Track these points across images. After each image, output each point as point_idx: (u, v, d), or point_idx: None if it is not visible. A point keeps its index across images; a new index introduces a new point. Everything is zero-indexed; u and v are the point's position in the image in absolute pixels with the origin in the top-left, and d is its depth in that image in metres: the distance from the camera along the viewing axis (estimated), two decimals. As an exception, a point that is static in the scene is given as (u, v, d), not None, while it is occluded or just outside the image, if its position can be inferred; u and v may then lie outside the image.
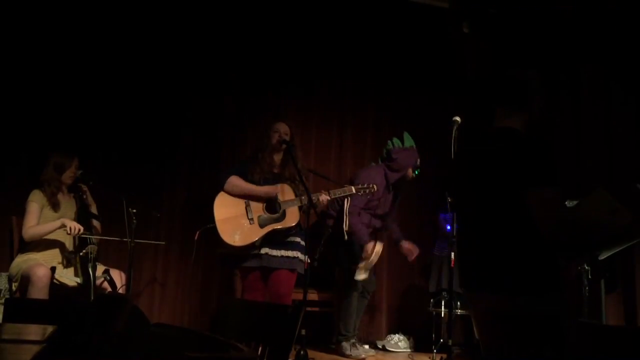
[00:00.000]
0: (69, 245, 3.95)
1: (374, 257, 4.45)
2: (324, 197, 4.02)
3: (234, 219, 3.91)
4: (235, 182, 3.98)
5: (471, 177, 2.22)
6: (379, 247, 4.46)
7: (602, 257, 2.26)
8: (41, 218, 3.86)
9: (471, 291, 2.17)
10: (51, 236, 3.89)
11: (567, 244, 2.05)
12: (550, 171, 1.99)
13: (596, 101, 5.08)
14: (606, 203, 2.00)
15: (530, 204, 1.97)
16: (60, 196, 3.98)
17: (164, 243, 4.71)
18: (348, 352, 4.49)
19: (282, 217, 3.95)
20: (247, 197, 3.96)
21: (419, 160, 4.72)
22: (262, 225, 3.92)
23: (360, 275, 4.48)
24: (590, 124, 5.09)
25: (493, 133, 2.20)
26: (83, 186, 4.07)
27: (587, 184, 4.62)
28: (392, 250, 5.37)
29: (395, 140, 4.78)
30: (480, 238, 2.14)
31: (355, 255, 4.52)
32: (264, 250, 3.91)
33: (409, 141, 4.75)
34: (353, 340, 4.57)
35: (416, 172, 4.72)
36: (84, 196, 4.05)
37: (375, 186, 4.21)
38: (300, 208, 3.99)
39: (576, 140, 5.10)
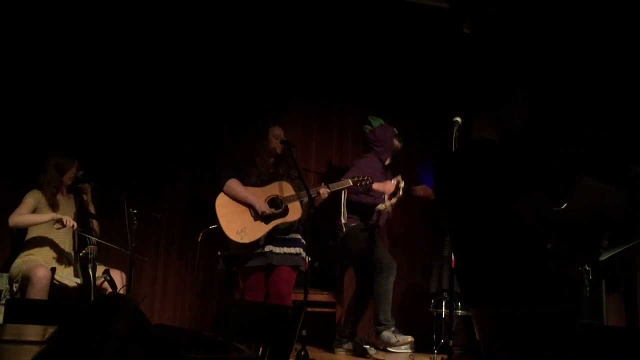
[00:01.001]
0: (69, 245, 3.96)
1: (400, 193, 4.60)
2: (324, 191, 4.07)
3: (237, 217, 3.92)
4: (233, 186, 3.99)
5: (452, 191, 2.21)
6: (400, 182, 4.59)
7: (604, 257, 2.27)
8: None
9: (474, 306, 2.17)
10: (51, 236, 3.90)
11: (574, 241, 2.06)
12: (531, 178, 1.97)
13: (597, 101, 5.09)
14: (593, 188, 2.01)
15: (520, 215, 1.96)
16: (59, 197, 3.99)
17: (146, 259, 4.56)
18: (394, 340, 4.50)
19: (285, 212, 3.97)
20: (243, 204, 3.97)
21: (395, 129, 4.86)
22: (266, 221, 3.93)
23: (382, 206, 4.60)
24: (591, 124, 5.10)
25: (470, 145, 2.19)
26: (85, 186, 4.07)
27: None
28: (392, 251, 5.36)
29: (365, 126, 4.91)
30: (471, 253, 2.13)
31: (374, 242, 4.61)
32: (268, 248, 3.92)
33: (375, 121, 4.89)
34: (393, 328, 4.56)
35: (401, 141, 4.85)
36: (84, 196, 4.05)
37: (370, 178, 4.29)
38: (301, 202, 4.02)
39: (576, 146, 5.11)
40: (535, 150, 2.04)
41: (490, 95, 2.18)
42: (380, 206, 4.60)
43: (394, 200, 4.60)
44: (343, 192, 4.35)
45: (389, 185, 4.56)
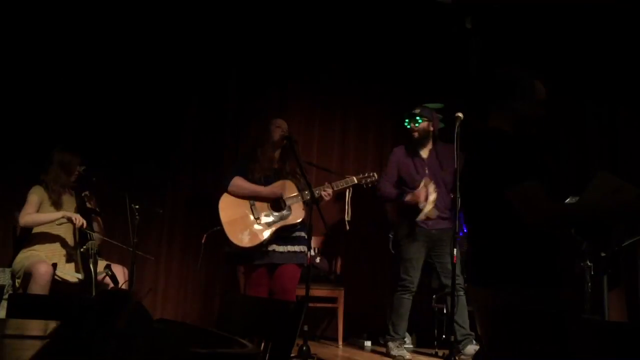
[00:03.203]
0: (70, 241, 3.96)
1: (429, 206, 4.25)
2: (327, 192, 4.01)
3: (240, 220, 3.91)
4: (239, 183, 3.98)
5: (466, 177, 2.26)
6: (432, 195, 4.23)
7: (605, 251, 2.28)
8: (41, 212, 3.87)
9: (471, 285, 2.20)
10: (53, 232, 3.91)
11: (575, 231, 2.09)
12: (524, 167, 2.00)
13: (600, 100, 5.08)
14: (609, 183, 2.01)
15: (511, 201, 1.99)
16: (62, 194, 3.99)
17: (152, 258, 4.59)
18: (393, 353, 4.29)
19: (288, 213, 3.95)
20: (252, 198, 3.96)
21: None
22: (269, 224, 3.92)
23: (423, 215, 4.26)
24: (594, 122, 5.09)
25: (482, 133, 2.23)
26: (88, 195, 4.06)
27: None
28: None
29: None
30: (474, 234, 2.20)
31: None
32: (271, 247, 3.91)
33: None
34: (399, 342, 4.36)
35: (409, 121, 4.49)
36: (87, 204, 4.04)
37: (375, 174, 4.20)
38: (304, 203, 3.99)
39: (580, 141, 5.10)
40: (538, 140, 2.08)
41: (503, 86, 2.20)
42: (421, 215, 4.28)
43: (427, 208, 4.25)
44: (348, 189, 4.29)
45: (418, 194, 4.27)
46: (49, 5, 4.67)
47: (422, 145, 4.51)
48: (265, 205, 3.97)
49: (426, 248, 4.42)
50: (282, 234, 3.94)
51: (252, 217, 3.93)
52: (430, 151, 4.52)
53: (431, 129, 4.49)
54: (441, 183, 4.41)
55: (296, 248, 3.97)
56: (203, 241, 4.45)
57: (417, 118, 4.46)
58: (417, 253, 4.39)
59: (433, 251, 4.43)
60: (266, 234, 3.90)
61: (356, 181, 4.12)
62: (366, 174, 4.18)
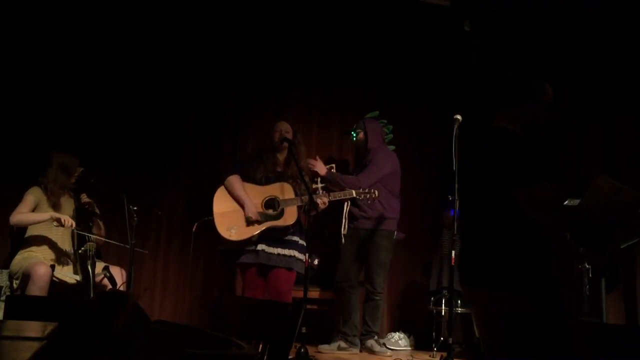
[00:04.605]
0: (68, 243, 3.96)
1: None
2: (322, 201, 3.99)
3: (231, 214, 3.91)
4: (233, 181, 3.98)
5: (469, 176, 2.25)
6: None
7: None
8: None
9: (469, 287, 2.20)
10: (51, 233, 3.90)
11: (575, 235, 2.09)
12: (532, 167, 2.01)
13: (599, 99, 5.09)
14: (609, 186, 2.02)
15: (518, 202, 1.99)
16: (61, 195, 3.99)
17: (146, 252, 4.61)
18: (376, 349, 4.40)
19: (280, 215, 3.94)
20: (236, 201, 3.96)
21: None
22: (259, 222, 3.91)
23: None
24: (593, 122, 5.10)
25: (489, 133, 2.22)
26: (90, 201, 4.06)
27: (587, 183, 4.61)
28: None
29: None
30: (474, 235, 2.18)
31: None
32: (260, 247, 3.90)
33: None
34: (376, 338, 4.47)
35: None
36: (86, 205, 4.04)
37: (376, 192, 4.18)
38: (300, 207, 3.98)
39: (577, 140, 5.11)
40: (546, 142, 2.08)
41: (513, 87, 2.20)
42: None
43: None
44: (346, 203, 4.27)
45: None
46: (47, 9, 4.67)
47: (363, 155, 4.70)
48: (258, 203, 3.97)
49: (357, 246, 4.55)
50: (273, 236, 3.93)
51: (243, 214, 3.92)
52: (365, 158, 4.69)
53: (364, 137, 4.67)
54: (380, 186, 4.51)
55: (286, 252, 3.94)
56: (194, 230, 4.44)
57: (352, 133, 4.70)
58: (346, 252, 4.56)
59: (363, 249, 4.55)
60: (254, 231, 3.89)
61: (354, 195, 4.11)
62: (367, 190, 4.15)
